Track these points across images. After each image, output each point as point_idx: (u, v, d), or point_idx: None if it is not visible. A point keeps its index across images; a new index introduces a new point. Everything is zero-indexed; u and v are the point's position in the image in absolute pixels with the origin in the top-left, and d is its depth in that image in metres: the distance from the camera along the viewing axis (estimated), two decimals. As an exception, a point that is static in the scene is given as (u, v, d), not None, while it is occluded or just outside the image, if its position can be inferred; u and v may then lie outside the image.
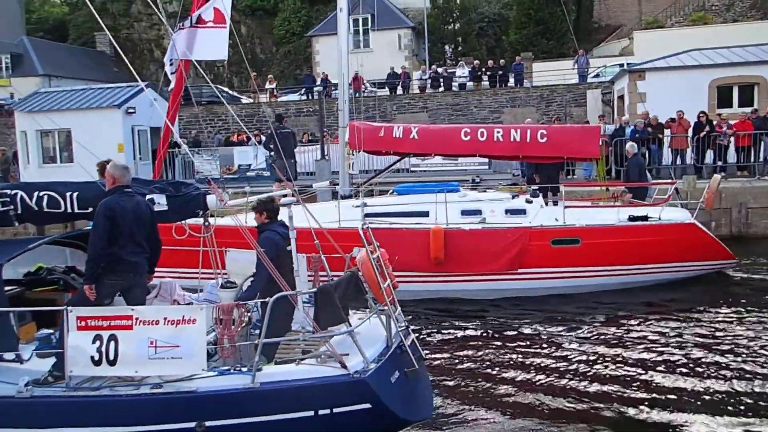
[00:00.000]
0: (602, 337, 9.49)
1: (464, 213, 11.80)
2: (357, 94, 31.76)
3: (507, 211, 11.86)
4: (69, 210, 6.12)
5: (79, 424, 4.84)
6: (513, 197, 12.20)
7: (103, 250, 5.45)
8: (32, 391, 4.96)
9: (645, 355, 8.63)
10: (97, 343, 4.85)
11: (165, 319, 4.87)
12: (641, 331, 9.66)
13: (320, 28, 40.89)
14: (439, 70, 32.01)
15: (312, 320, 5.24)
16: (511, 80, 29.67)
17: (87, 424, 4.83)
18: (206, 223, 6.48)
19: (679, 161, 18.23)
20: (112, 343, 4.84)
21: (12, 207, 5.99)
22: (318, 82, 32.54)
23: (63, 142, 21.24)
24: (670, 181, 13.34)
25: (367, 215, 11.62)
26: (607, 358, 8.54)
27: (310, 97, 32.27)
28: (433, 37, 40.93)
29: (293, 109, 31.14)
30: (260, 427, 4.94)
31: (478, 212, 11.88)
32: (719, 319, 10.16)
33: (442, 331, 10.01)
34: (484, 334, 9.85)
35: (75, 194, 6.10)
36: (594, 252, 11.18)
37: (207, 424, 4.82)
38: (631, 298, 11.32)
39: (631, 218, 11.56)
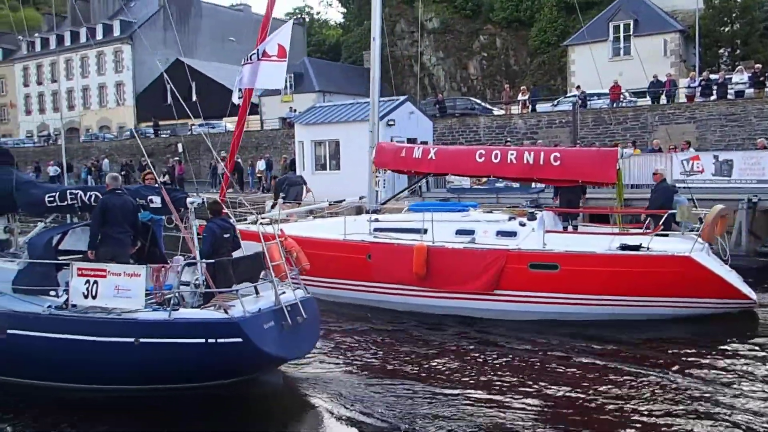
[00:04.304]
0: (562, 371, 8.98)
1: (458, 232, 12.23)
2: (615, 104, 30.21)
3: (498, 233, 12.07)
4: None
5: (72, 333, 7.77)
6: (509, 219, 12.38)
7: (98, 230, 8.57)
8: (49, 311, 8.01)
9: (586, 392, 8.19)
10: (87, 285, 7.80)
11: (124, 272, 7.73)
12: (602, 365, 9.05)
13: (577, 36, 39.64)
14: (713, 76, 28.99)
15: (211, 281, 7.89)
16: (803, 86, 25.74)
17: (77, 333, 7.75)
18: (186, 217, 8.74)
19: None
20: (95, 286, 7.77)
21: (76, 201, 9.03)
22: (571, 93, 31.57)
23: (332, 151, 23.47)
24: (663, 210, 12.26)
25: (375, 230, 12.84)
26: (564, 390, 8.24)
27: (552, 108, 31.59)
28: (706, 40, 37.22)
29: (545, 121, 30.59)
30: (172, 346, 7.57)
31: (471, 232, 12.19)
32: (708, 364, 9.03)
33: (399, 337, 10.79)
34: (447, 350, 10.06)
35: None
36: (574, 279, 10.93)
37: (141, 340, 7.57)
38: (609, 332, 10.55)
39: (622, 247, 11.04)
